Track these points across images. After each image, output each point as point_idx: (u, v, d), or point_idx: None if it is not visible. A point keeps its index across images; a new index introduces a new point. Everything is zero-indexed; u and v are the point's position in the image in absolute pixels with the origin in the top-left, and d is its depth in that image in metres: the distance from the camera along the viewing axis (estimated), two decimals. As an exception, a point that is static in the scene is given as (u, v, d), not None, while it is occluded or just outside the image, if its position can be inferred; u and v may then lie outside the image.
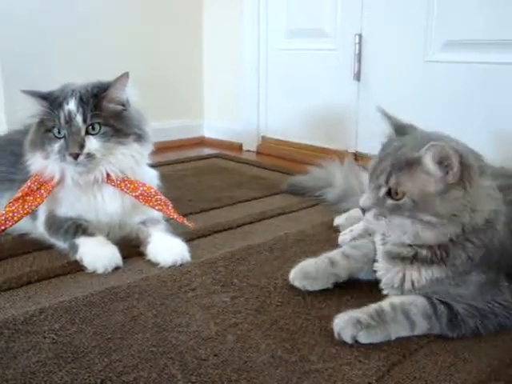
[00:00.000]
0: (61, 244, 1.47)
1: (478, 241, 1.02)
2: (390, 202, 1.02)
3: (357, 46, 2.46)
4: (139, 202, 1.49)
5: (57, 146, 1.41)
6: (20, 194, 1.45)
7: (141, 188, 1.49)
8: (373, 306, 1.06)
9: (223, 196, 2.05)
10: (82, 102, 1.41)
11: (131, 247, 1.50)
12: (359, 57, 2.47)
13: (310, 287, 1.22)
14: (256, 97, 3.02)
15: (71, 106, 1.40)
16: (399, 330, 1.04)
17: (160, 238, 1.47)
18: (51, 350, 1.01)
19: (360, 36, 2.45)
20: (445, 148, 0.97)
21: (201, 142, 3.33)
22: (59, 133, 1.41)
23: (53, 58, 2.65)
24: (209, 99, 3.33)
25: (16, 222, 1.45)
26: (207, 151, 3.07)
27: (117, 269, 1.38)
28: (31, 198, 1.45)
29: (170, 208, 1.51)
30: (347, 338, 1.02)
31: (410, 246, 1.07)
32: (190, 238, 1.56)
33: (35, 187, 1.45)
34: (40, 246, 1.51)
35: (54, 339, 1.05)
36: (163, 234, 1.49)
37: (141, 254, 1.47)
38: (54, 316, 1.13)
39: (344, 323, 1.03)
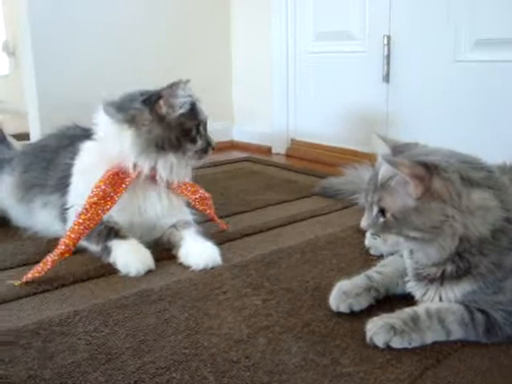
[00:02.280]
0: (93, 247, 1.48)
1: (496, 248, 1.00)
2: (381, 219, 1.03)
3: (385, 48, 2.44)
4: (174, 206, 1.55)
5: (200, 143, 1.49)
6: (95, 198, 1.40)
7: (200, 191, 1.56)
8: (407, 311, 1.04)
9: (253, 199, 2.06)
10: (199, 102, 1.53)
11: (163, 250, 1.51)
12: (388, 58, 2.45)
13: (357, 306, 1.14)
14: (285, 100, 3.02)
15: (202, 106, 1.51)
16: (434, 337, 1.03)
17: (192, 242, 1.48)
18: (86, 351, 1.03)
19: (389, 37, 2.43)
20: (392, 160, 0.99)
21: (230, 145, 3.34)
22: (198, 132, 1.49)
23: (89, 61, 2.72)
24: (238, 103, 3.35)
25: (92, 228, 1.42)
26: (237, 155, 3.08)
27: (149, 272, 1.40)
28: (102, 201, 1.41)
29: (213, 211, 1.61)
30: (380, 344, 1.01)
31: (434, 265, 1.05)
32: (220, 241, 1.57)
33: (109, 190, 1.42)
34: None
35: (88, 341, 1.07)
36: (195, 238, 1.50)
37: (172, 257, 1.48)
38: (88, 318, 1.15)
39: (377, 329, 1.02)
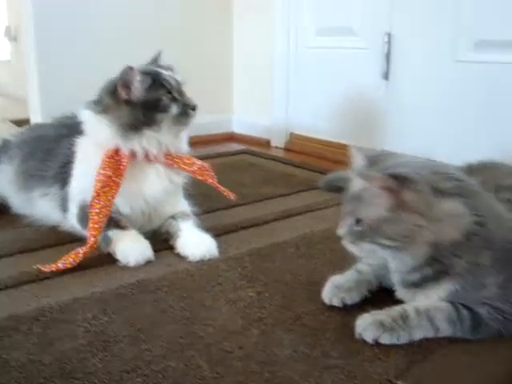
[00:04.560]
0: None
1: (470, 249, 1.04)
2: (356, 228, 1.08)
3: (386, 45, 2.46)
4: (175, 191, 1.60)
5: (174, 108, 1.51)
6: (99, 185, 1.42)
7: (197, 163, 1.57)
8: (397, 309, 1.07)
9: (250, 192, 2.08)
10: (168, 69, 1.57)
11: (160, 241, 1.54)
12: (388, 56, 2.46)
13: (349, 300, 1.18)
14: (285, 93, 3.04)
15: (169, 72, 1.54)
16: (422, 334, 1.06)
17: (189, 233, 1.51)
18: (85, 338, 1.06)
19: (389, 35, 2.44)
20: (364, 174, 1.05)
21: (230, 137, 3.36)
22: (172, 98, 1.50)
23: (90, 48, 2.74)
24: (238, 95, 3.37)
25: (109, 214, 1.44)
26: (236, 147, 3.11)
27: (148, 262, 1.43)
28: (108, 187, 1.43)
29: (216, 181, 1.62)
30: (369, 339, 1.05)
31: (415, 270, 1.09)
32: (217, 233, 1.59)
33: (110, 173, 1.44)
34: (72, 238, 1.56)
35: (87, 328, 1.10)
36: (193, 229, 1.53)
37: (170, 248, 1.51)
38: (87, 306, 1.19)
39: (367, 325, 1.05)
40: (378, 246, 1.06)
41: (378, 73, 2.52)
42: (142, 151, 1.49)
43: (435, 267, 1.06)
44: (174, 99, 1.51)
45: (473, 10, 2.14)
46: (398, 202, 1.01)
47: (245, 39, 3.25)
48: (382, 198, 1.02)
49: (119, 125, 1.47)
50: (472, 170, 1.35)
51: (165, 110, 1.49)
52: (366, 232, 1.06)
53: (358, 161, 1.15)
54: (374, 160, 1.12)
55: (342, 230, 1.12)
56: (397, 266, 1.12)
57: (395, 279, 1.15)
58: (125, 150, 1.47)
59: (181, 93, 1.54)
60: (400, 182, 1.01)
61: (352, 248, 1.11)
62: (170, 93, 1.50)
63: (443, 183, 1.04)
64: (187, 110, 1.53)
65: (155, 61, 1.62)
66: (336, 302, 1.18)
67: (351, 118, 2.71)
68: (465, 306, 1.06)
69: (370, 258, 1.19)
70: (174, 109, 1.51)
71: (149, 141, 1.49)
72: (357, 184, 1.09)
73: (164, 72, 1.53)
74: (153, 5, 2.94)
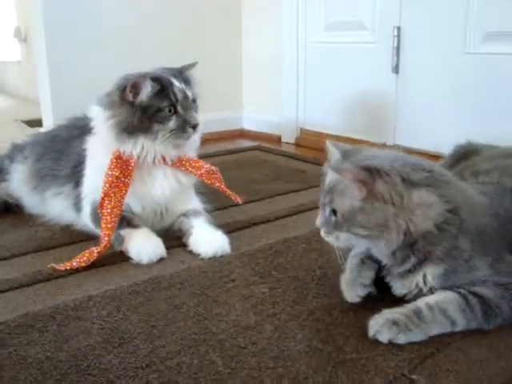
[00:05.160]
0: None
1: (445, 236, 1.06)
2: (333, 219, 1.10)
3: (395, 39, 2.45)
4: (185, 190, 1.59)
5: (172, 122, 1.48)
6: (107, 185, 1.43)
7: (205, 166, 1.56)
8: (409, 307, 1.07)
9: (262, 188, 2.09)
10: (184, 81, 1.53)
11: (173, 238, 1.55)
12: (398, 50, 2.46)
13: (367, 280, 1.17)
14: (295, 89, 3.04)
15: (181, 84, 1.50)
16: (439, 329, 1.06)
17: (202, 230, 1.52)
18: (100, 335, 1.07)
19: (399, 29, 2.44)
20: (336, 168, 1.08)
21: (240, 134, 3.37)
22: (174, 110, 1.48)
23: (101, 48, 2.75)
24: (248, 91, 3.37)
25: (120, 214, 1.45)
26: (246, 143, 3.11)
27: (160, 259, 1.44)
28: (117, 189, 1.45)
29: (223, 184, 1.60)
30: (384, 341, 1.04)
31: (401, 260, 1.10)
32: (230, 229, 1.60)
33: (118, 174, 1.45)
34: (85, 237, 1.57)
35: (101, 325, 1.11)
36: (205, 226, 1.54)
37: (182, 245, 1.52)
38: (101, 303, 1.20)
39: (380, 326, 1.05)
40: (352, 236, 1.09)
41: (387, 66, 2.52)
42: (136, 156, 1.48)
43: (417, 255, 1.08)
44: (176, 113, 1.49)
45: (481, 2, 2.13)
46: (370, 193, 1.04)
47: (253, 36, 3.24)
48: (355, 190, 1.04)
49: (116, 123, 1.46)
50: (461, 154, 1.47)
51: (162, 121, 1.47)
52: (342, 222, 1.09)
53: (333, 155, 1.18)
54: (349, 153, 1.15)
55: (318, 221, 1.15)
56: (376, 254, 1.14)
57: (391, 272, 1.15)
58: (122, 151, 1.47)
59: (186, 108, 1.50)
60: (372, 174, 1.03)
61: (328, 238, 1.14)
62: (173, 105, 1.48)
63: (414, 174, 1.06)
64: (186, 127, 1.49)
65: (184, 69, 1.59)
66: (360, 292, 1.17)
67: (361, 112, 2.71)
68: (471, 293, 1.07)
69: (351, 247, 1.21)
70: (173, 123, 1.48)
71: (143, 147, 1.48)
72: (331, 176, 1.12)
73: (176, 84, 1.50)
74: (165, 5, 2.94)
